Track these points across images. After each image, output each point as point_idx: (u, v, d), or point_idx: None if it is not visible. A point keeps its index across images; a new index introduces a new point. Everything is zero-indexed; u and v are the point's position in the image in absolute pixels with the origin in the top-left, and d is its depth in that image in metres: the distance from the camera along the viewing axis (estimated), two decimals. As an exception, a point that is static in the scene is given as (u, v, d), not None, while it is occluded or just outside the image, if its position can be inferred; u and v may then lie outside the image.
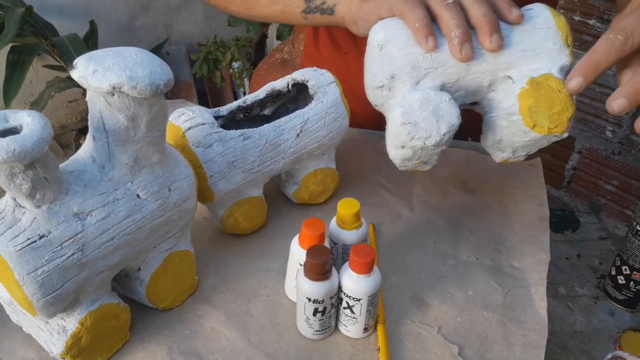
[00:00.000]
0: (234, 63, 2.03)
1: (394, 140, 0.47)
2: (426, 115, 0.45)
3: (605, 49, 0.42)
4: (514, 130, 0.47)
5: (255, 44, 2.12)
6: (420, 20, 0.45)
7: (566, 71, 0.47)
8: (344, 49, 0.75)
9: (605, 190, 1.35)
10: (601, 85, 1.30)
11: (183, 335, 0.46)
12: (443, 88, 0.47)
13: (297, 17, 0.59)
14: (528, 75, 0.46)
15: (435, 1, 0.46)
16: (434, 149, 0.47)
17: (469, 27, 0.45)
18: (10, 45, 1.50)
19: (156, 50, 1.97)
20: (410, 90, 0.46)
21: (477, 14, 0.45)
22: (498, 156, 0.52)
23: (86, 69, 0.34)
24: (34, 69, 1.79)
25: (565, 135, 0.47)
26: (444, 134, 0.45)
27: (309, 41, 0.82)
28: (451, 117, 0.45)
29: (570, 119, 0.46)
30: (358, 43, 0.60)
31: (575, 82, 0.43)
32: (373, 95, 0.50)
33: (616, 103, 0.42)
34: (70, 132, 2.00)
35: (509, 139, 0.49)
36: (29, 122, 0.32)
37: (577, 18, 1.47)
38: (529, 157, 0.53)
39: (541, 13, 0.48)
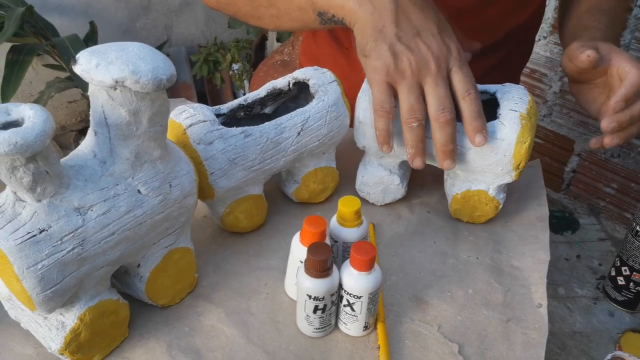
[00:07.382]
0: (234, 65, 2.04)
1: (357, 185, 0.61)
2: (376, 192, 0.59)
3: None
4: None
5: (255, 46, 2.13)
6: (381, 130, 0.49)
7: (504, 187, 0.56)
8: (345, 44, 0.74)
9: (605, 193, 1.35)
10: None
11: (182, 332, 0.45)
12: (402, 164, 0.58)
13: (319, 27, 0.60)
14: (467, 187, 0.55)
15: (403, 121, 0.49)
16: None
17: (425, 144, 0.50)
18: (9, 44, 1.50)
19: (156, 51, 1.97)
20: (375, 164, 0.58)
21: (438, 141, 0.49)
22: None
23: (89, 63, 0.34)
24: (34, 69, 1.79)
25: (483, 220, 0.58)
26: (388, 202, 0.61)
27: (307, 39, 0.81)
28: (396, 194, 0.60)
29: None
30: None
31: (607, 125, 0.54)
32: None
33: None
34: (69, 133, 2.00)
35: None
36: (31, 115, 0.32)
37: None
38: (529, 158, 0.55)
39: (507, 137, 0.50)
